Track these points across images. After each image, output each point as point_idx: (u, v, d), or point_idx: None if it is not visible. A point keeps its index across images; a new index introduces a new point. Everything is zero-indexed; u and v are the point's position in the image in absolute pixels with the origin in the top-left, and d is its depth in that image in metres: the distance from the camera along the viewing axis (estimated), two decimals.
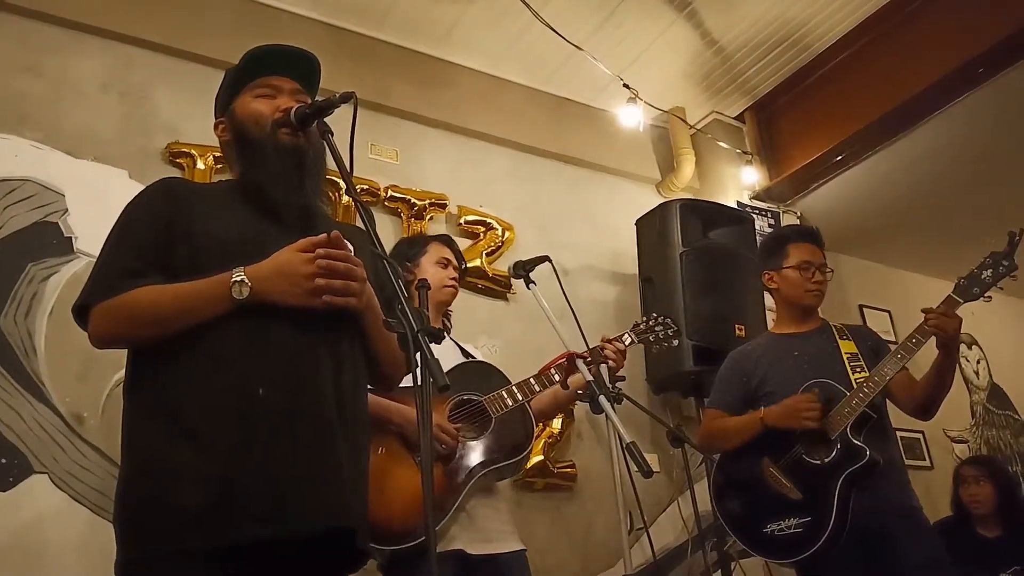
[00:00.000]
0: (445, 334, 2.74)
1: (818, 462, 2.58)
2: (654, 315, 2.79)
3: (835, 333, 2.81)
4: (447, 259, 2.73)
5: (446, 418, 2.40)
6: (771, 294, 2.97)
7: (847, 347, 2.75)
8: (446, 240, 2.84)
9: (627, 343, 2.65)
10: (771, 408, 2.67)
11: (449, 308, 2.77)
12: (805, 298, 2.84)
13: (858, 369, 2.67)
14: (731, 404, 2.86)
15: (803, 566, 2.65)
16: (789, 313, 2.91)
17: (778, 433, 2.65)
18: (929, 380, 2.58)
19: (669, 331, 2.75)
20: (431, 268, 2.68)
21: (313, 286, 1.53)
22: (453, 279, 2.71)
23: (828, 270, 2.86)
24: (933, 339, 2.51)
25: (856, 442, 2.54)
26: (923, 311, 2.51)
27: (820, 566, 2.56)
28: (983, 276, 2.49)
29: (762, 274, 2.95)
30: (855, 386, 2.60)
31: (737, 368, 2.90)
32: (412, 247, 2.78)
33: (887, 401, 2.73)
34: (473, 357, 2.69)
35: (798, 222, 4.61)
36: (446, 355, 2.54)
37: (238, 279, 1.51)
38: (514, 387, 2.47)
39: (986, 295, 2.50)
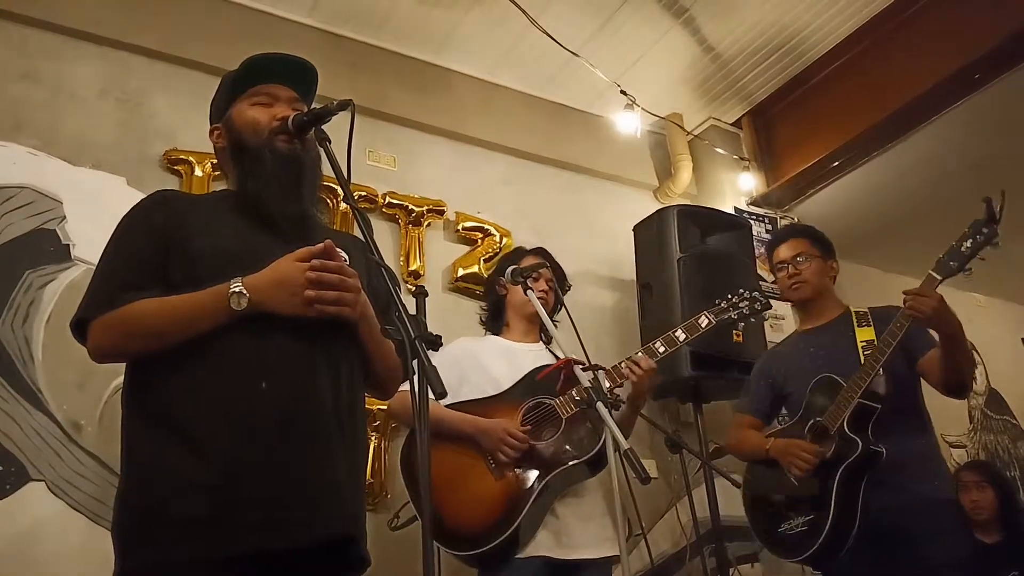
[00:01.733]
0: (544, 344, 2.84)
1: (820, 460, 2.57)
2: (740, 291, 2.77)
3: (854, 321, 2.78)
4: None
5: (519, 421, 2.51)
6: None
7: (864, 335, 2.71)
8: (539, 253, 2.91)
9: (661, 352, 2.65)
10: (775, 442, 2.70)
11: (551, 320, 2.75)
12: (791, 295, 2.90)
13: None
14: (757, 407, 2.90)
15: (815, 565, 2.63)
16: (800, 310, 2.98)
17: (790, 432, 2.68)
18: (942, 362, 2.54)
19: (756, 304, 2.74)
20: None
21: (306, 296, 1.53)
22: (542, 291, 2.75)
23: (805, 258, 2.86)
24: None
25: (850, 435, 2.51)
26: (904, 292, 2.48)
27: (835, 563, 2.54)
28: (963, 248, 2.44)
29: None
30: None
31: (764, 371, 2.94)
32: (507, 263, 2.86)
33: (921, 389, 2.69)
34: None
35: None
36: (536, 361, 2.67)
37: (236, 290, 1.51)
38: (584, 387, 2.49)
39: (967, 268, 2.44)
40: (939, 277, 2.46)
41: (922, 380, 2.68)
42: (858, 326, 2.75)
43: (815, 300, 2.88)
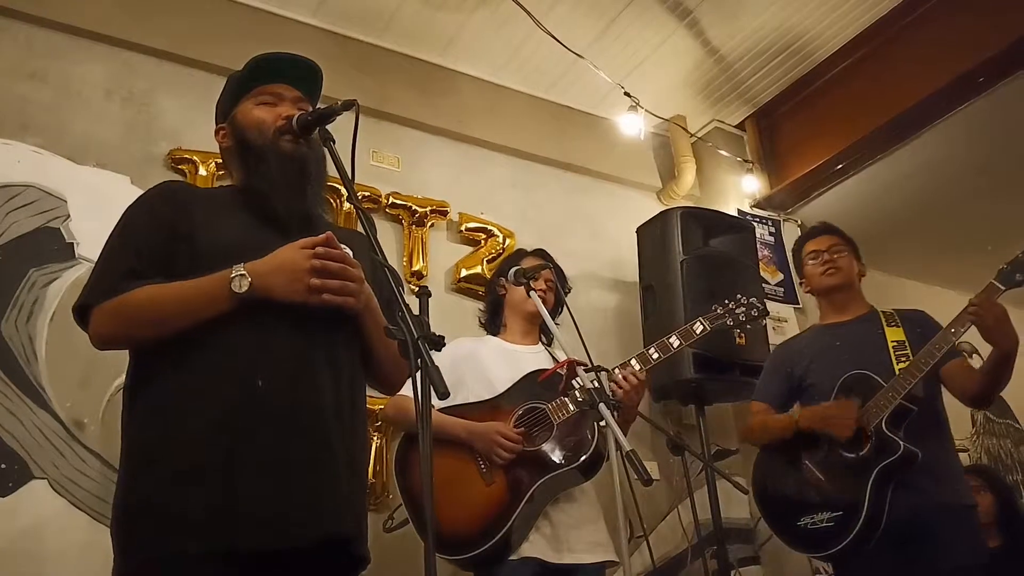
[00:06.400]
0: (543, 345, 2.84)
1: (852, 456, 2.55)
2: (737, 296, 2.73)
3: (883, 320, 2.75)
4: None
5: (511, 426, 2.51)
6: (814, 296, 3.00)
7: (894, 335, 2.68)
8: (540, 255, 2.93)
9: (655, 358, 2.61)
10: (805, 411, 2.67)
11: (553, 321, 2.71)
12: (822, 282, 2.86)
13: (903, 359, 2.60)
14: (775, 396, 2.87)
15: (837, 561, 2.61)
16: (826, 304, 2.93)
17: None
18: (985, 372, 2.49)
19: (752, 311, 2.69)
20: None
21: (311, 284, 1.53)
22: (541, 290, 2.73)
23: (839, 249, 2.86)
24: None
25: (890, 435, 2.48)
26: (971, 302, 2.41)
27: (855, 561, 2.52)
28: None
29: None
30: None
31: (782, 361, 2.93)
32: (508, 264, 2.88)
33: (941, 393, 2.66)
34: None
35: (799, 230, 4.61)
36: (535, 364, 2.66)
37: (238, 273, 1.51)
38: (577, 393, 2.50)
39: None
40: (1002, 287, 2.39)
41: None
42: (887, 325, 2.72)
43: (842, 293, 2.85)
